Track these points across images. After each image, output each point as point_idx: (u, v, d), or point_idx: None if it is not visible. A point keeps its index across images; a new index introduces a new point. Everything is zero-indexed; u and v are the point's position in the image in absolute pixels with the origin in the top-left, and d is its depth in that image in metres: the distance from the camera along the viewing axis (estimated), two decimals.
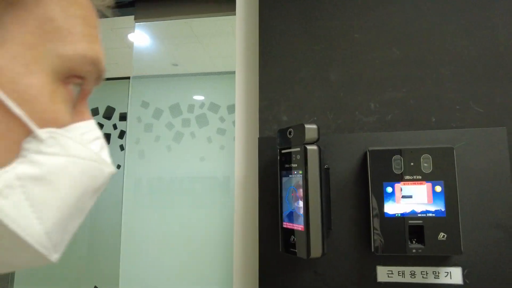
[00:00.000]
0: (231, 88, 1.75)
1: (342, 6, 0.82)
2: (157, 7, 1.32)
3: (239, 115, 0.87)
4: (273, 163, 0.76)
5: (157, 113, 1.73)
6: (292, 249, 0.65)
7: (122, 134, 1.59)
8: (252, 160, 0.85)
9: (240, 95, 0.88)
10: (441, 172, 0.65)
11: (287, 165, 0.68)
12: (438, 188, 0.64)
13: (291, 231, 0.66)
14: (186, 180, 1.66)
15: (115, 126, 1.61)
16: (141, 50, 1.75)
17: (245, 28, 0.92)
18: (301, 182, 0.64)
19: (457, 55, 0.76)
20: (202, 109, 1.71)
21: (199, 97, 1.75)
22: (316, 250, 0.62)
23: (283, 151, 0.70)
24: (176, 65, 1.97)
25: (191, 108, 1.72)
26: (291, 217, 0.67)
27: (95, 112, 1.66)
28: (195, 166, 1.65)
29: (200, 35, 1.81)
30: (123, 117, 1.61)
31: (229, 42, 1.71)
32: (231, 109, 1.66)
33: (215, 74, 1.81)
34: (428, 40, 0.77)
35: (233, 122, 1.57)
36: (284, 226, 0.68)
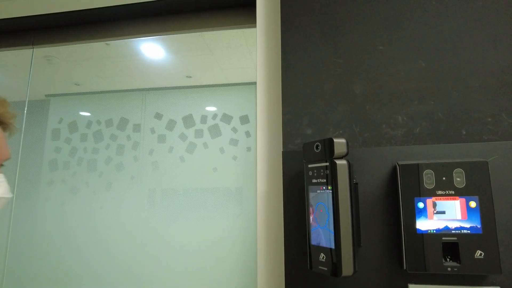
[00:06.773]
0: (243, 99, 1.71)
1: (365, 19, 0.77)
2: (172, 21, 1.31)
3: (261, 128, 0.82)
4: (298, 177, 0.72)
5: (171, 125, 1.71)
6: (321, 267, 0.61)
7: (135, 145, 1.60)
8: (275, 175, 0.80)
9: (262, 108, 0.82)
10: (475, 187, 0.60)
11: (314, 180, 0.63)
12: (473, 204, 0.60)
13: (321, 249, 0.62)
14: (200, 191, 1.62)
15: (128, 137, 1.62)
16: (155, 62, 1.74)
17: (266, 41, 0.88)
18: (330, 198, 0.59)
19: (485, 66, 0.70)
20: (214, 120, 1.67)
21: (211, 108, 1.71)
22: (348, 268, 0.57)
23: (310, 166, 0.65)
24: (190, 77, 1.96)
25: (203, 119, 1.69)
26: (320, 234, 0.62)
27: (109, 123, 1.67)
28: (208, 177, 1.62)
29: (213, 47, 1.81)
30: (136, 129, 1.62)
31: (240, 54, 1.69)
32: (243, 119, 1.62)
33: (227, 86, 1.77)
34: (454, 51, 0.72)
35: (246, 133, 1.55)
36: (313, 243, 0.64)
